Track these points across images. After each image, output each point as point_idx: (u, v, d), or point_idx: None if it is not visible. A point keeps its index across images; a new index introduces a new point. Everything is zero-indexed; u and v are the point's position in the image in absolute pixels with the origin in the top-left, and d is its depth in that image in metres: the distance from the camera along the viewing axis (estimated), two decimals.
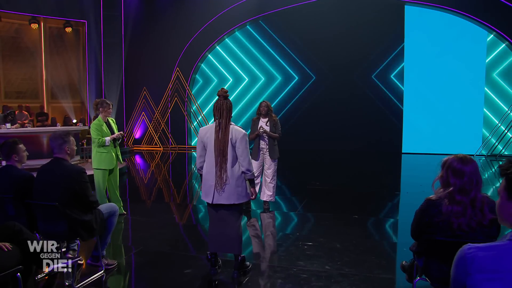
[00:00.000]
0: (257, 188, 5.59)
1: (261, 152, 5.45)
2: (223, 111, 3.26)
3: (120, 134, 5.29)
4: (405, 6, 11.69)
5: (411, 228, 2.45)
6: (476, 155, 11.12)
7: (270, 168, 5.45)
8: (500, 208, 1.36)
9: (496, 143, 11.11)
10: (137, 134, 14.16)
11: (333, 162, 11.09)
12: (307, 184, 7.87)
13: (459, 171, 2.21)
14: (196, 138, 3.23)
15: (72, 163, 3.42)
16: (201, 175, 3.41)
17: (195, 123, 13.67)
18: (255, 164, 5.48)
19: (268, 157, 5.42)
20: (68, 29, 12.80)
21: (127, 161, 11.37)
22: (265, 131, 5.30)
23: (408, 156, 11.61)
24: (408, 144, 12.02)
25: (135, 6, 13.84)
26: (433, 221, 2.25)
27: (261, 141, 5.42)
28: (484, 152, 11.22)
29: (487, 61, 11.13)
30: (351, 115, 12.25)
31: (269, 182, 5.46)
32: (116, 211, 3.60)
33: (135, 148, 13.96)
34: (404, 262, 2.91)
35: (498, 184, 6.82)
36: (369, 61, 12.13)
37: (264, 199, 5.55)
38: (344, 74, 12.36)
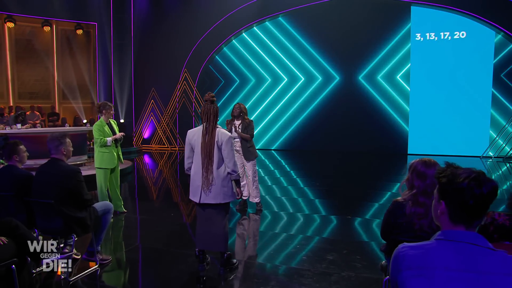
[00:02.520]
0: (245, 192, 5.69)
1: (238, 154, 5.53)
2: (210, 115, 3.41)
3: (122, 135, 5.51)
4: (412, 7, 11.65)
5: (380, 229, 2.55)
6: (483, 156, 11.04)
7: (249, 170, 5.54)
8: (433, 208, 1.47)
9: (504, 144, 11.00)
10: (146, 134, 14.45)
11: (336, 163, 11.14)
12: (306, 184, 7.97)
13: (422, 174, 2.31)
14: None
15: (69, 163, 3.61)
16: (189, 175, 3.56)
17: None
18: None
19: (244, 159, 5.51)
20: (79, 31, 13.18)
21: (136, 160, 11.65)
22: (236, 131, 5.37)
23: (414, 158, 11.52)
24: (414, 145, 11.98)
25: (144, 8, 14.14)
26: (398, 222, 2.36)
27: (235, 143, 5.48)
28: (491, 153, 11.11)
29: (494, 61, 11.02)
30: (357, 116, 12.28)
31: (253, 185, 5.55)
32: (111, 209, 3.79)
33: (143, 147, 14.25)
34: (383, 262, 3.01)
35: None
36: (375, 62, 12.14)
37: (251, 201, 5.63)
38: (350, 75, 12.39)
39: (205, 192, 3.40)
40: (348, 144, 12.33)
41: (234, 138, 5.46)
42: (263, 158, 11.34)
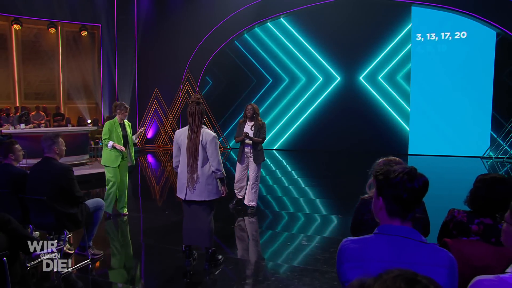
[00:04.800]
0: (242, 192, 5.71)
1: (245, 156, 5.51)
2: (195, 116, 3.54)
3: (121, 148, 5.23)
4: (412, 7, 11.67)
5: (350, 226, 2.65)
6: (484, 157, 11.01)
7: (253, 173, 5.47)
8: (373, 204, 1.58)
9: (505, 145, 10.96)
10: (149, 134, 14.64)
11: (336, 163, 11.19)
12: (307, 184, 8.06)
13: None
14: None
15: (71, 162, 3.78)
16: (177, 173, 3.70)
17: None
18: (239, 168, 5.56)
19: (252, 161, 5.45)
20: (84, 33, 13.42)
21: (140, 159, 11.84)
22: (248, 136, 5.30)
23: (414, 158, 11.57)
24: (415, 145, 11.99)
25: (147, 10, 14.33)
26: (364, 219, 2.45)
27: (245, 146, 5.43)
28: (492, 154, 11.08)
29: (495, 61, 10.98)
30: (358, 117, 12.31)
31: (252, 188, 5.48)
32: (102, 206, 3.94)
33: (146, 147, 14.44)
34: None
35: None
36: (376, 62, 12.18)
37: (246, 203, 5.59)
38: (351, 75, 12.44)
39: (190, 190, 3.54)
40: (348, 144, 12.36)
41: (246, 140, 5.36)
42: (264, 158, 11.42)
